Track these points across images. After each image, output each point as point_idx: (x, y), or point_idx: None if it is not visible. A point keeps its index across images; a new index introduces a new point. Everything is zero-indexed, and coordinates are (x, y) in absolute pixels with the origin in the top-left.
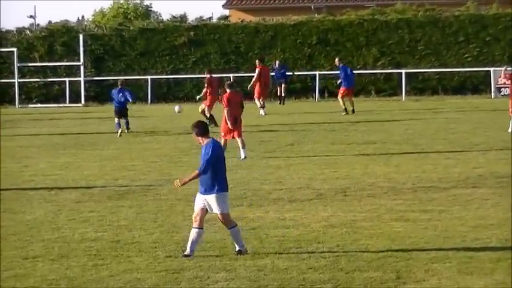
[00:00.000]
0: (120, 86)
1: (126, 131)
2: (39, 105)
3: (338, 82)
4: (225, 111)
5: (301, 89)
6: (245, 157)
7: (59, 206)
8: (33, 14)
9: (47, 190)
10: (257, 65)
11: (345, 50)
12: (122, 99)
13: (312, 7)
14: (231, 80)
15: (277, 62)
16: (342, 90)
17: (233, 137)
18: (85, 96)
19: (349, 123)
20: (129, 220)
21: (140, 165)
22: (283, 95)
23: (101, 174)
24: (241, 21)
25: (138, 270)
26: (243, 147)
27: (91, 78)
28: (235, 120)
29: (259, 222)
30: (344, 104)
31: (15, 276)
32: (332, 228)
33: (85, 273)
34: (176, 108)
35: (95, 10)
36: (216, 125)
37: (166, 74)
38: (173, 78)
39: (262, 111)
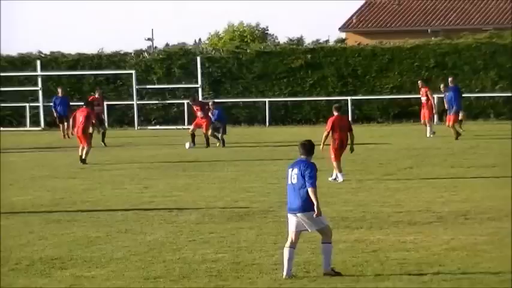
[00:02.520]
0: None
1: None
2: (157, 127)
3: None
4: (325, 134)
5: (418, 112)
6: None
7: (179, 227)
8: (150, 37)
9: (167, 211)
10: (421, 86)
11: (462, 74)
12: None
13: (429, 30)
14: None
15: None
16: (454, 117)
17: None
18: None
19: (468, 146)
20: (250, 242)
21: (259, 187)
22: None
23: (220, 195)
24: (358, 44)
25: None
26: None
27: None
28: (341, 144)
29: (379, 244)
30: (459, 128)
31: None
32: (453, 251)
33: None
34: (187, 145)
35: (209, 33)
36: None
37: (284, 97)
38: (291, 100)
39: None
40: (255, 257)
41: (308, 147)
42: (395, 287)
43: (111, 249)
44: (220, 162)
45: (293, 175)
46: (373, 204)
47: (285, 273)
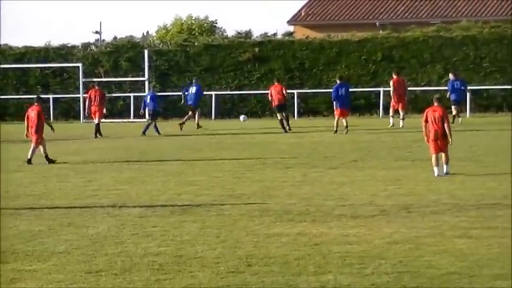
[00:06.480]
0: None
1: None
2: (103, 120)
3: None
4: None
5: (365, 106)
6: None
7: (122, 221)
8: (98, 30)
9: (111, 205)
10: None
11: (409, 67)
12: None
13: (377, 24)
14: None
15: (450, 75)
16: (337, 111)
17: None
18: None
19: (413, 139)
20: (192, 235)
21: (203, 181)
22: (453, 113)
23: (164, 189)
24: (306, 37)
25: (201, 285)
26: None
27: (156, 94)
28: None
29: (322, 238)
30: (337, 125)
31: None
32: (395, 244)
33: (148, 287)
34: (241, 117)
35: (158, 26)
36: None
37: (230, 90)
38: (238, 94)
39: (401, 123)
40: (198, 251)
41: None
42: (336, 280)
43: (53, 243)
44: (165, 155)
45: None
46: (317, 197)
47: None
